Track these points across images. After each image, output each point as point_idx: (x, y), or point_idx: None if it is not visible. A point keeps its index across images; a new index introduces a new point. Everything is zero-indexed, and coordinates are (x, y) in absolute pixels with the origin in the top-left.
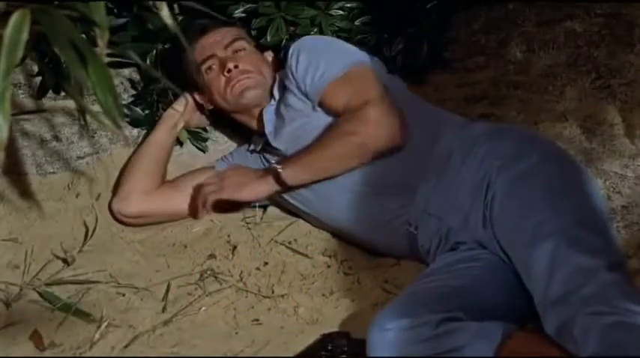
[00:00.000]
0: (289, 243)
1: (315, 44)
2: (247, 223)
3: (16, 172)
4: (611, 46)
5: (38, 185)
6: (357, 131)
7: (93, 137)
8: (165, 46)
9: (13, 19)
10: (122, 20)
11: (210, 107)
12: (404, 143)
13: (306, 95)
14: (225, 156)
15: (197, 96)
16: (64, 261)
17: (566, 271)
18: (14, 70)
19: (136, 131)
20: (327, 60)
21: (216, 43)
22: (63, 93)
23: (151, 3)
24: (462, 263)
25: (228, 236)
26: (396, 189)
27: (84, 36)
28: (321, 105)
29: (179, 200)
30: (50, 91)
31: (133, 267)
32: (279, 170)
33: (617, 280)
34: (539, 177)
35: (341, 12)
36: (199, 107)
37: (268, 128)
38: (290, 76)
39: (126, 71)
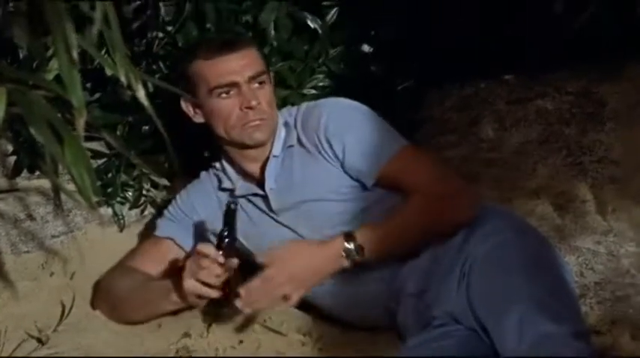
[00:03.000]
0: (264, 320)
1: (347, 119)
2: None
3: None
4: (582, 124)
5: (12, 264)
6: (449, 210)
7: (68, 216)
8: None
9: None
10: (96, 96)
11: (201, 121)
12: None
13: (354, 176)
14: (176, 202)
15: (190, 106)
16: (39, 340)
17: (535, 336)
18: None
19: (110, 210)
20: (376, 139)
21: (242, 69)
22: (37, 173)
23: (126, 83)
24: (436, 341)
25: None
26: (378, 269)
27: (59, 115)
28: (377, 183)
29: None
30: (25, 171)
31: (108, 347)
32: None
33: (584, 349)
34: (513, 250)
35: (314, 91)
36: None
37: (270, 184)
38: (326, 150)
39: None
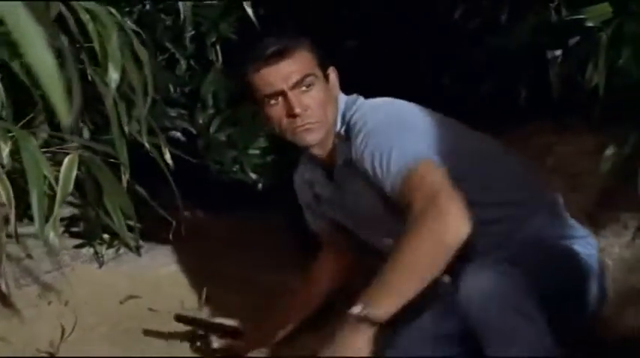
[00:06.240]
0: None
1: (382, 127)
2: None
3: None
4: None
5: (16, 296)
6: (430, 235)
7: (57, 255)
8: None
9: (66, 161)
10: None
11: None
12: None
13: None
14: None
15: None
16: (51, 354)
17: None
18: None
19: (92, 250)
20: (395, 151)
21: (287, 77)
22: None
23: (149, 148)
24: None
25: None
26: None
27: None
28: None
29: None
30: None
31: None
32: (367, 314)
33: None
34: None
35: (257, 151)
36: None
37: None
38: (357, 160)
39: None
